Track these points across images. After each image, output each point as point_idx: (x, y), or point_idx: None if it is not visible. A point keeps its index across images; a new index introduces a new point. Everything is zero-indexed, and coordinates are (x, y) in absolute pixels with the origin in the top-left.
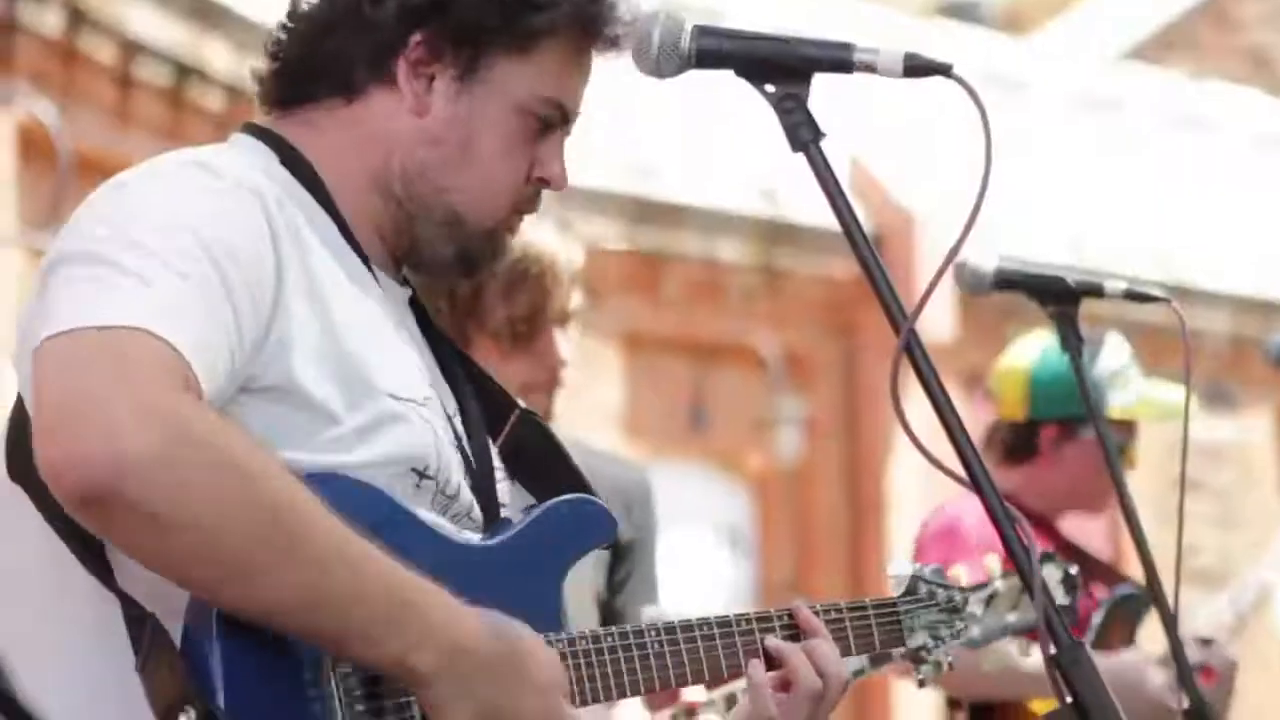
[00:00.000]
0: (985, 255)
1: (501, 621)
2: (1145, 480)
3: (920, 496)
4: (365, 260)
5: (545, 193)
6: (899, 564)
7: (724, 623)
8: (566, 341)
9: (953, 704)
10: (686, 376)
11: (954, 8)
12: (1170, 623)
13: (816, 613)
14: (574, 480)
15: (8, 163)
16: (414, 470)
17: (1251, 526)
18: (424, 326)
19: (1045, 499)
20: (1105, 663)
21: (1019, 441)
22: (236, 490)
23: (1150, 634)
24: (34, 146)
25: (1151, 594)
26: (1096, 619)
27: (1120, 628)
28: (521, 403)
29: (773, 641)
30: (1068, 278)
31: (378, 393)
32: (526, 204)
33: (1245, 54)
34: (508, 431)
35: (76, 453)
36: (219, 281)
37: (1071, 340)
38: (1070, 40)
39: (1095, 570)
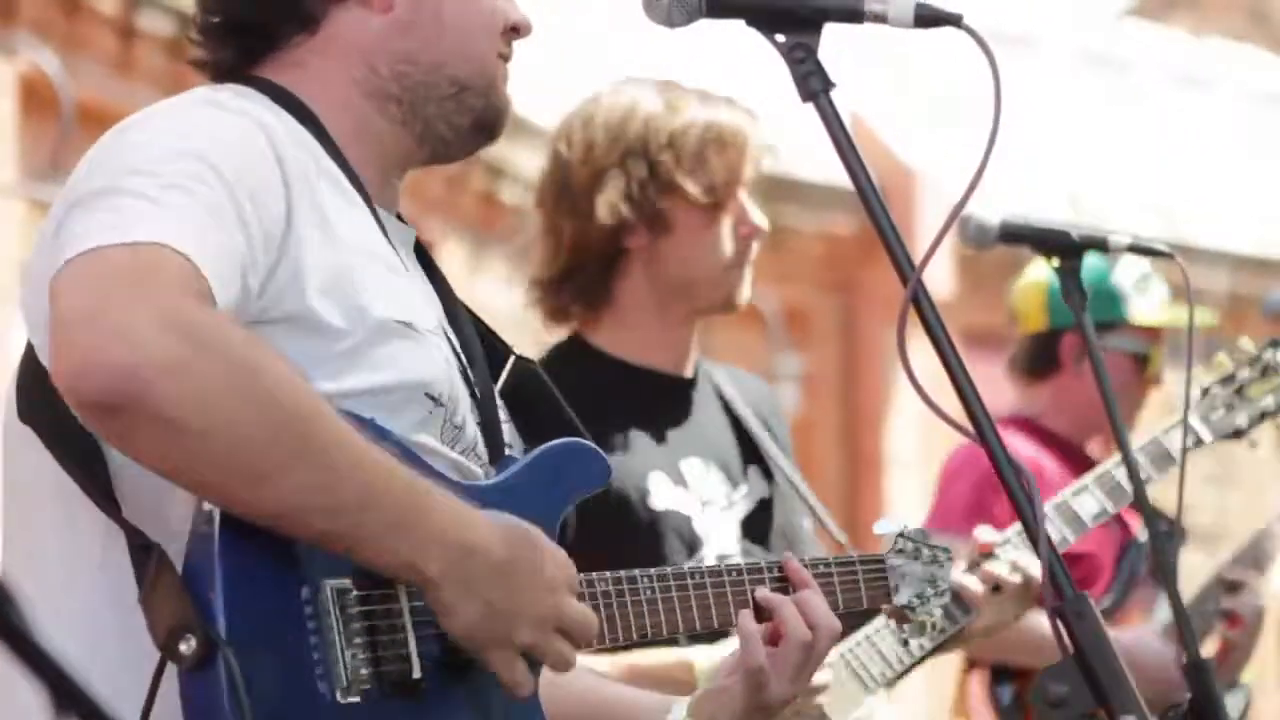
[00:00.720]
0: (989, 209)
1: (513, 523)
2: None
3: (920, 453)
4: (368, 199)
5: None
6: (885, 522)
7: (715, 572)
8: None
9: (971, 664)
10: None
11: None
12: (1171, 579)
13: (805, 566)
14: (567, 426)
15: (9, 113)
16: (428, 395)
17: (1248, 485)
18: (428, 267)
19: (1070, 416)
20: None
21: (1042, 354)
22: (252, 395)
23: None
24: (36, 96)
25: (1154, 539)
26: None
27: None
28: (515, 351)
29: (763, 592)
30: (1072, 232)
31: (389, 320)
32: (506, 53)
33: (1245, 9)
34: (505, 377)
35: (96, 360)
36: (230, 202)
37: (1075, 294)
38: None
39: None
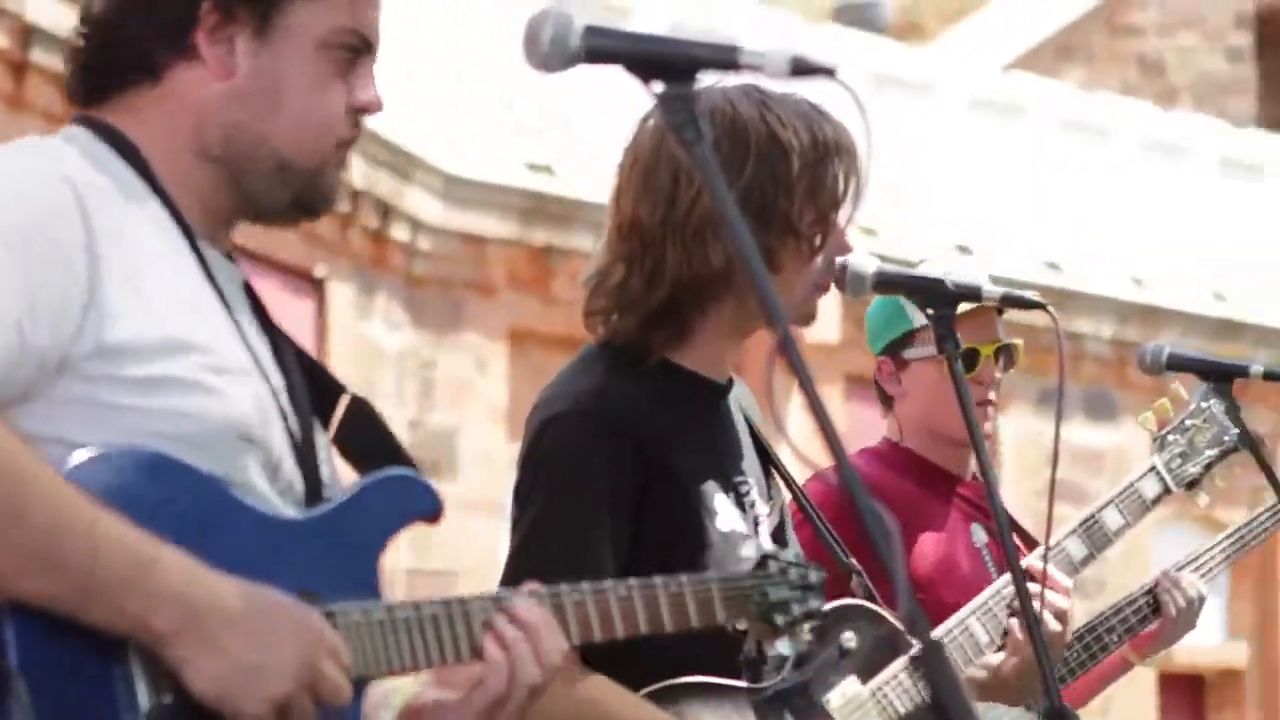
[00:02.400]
0: (866, 258)
1: (252, 585)
2: (1019, 484)
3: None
4: (192, 239)
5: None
6: (753, 543)
7: (463, 602)
8: None
9: None
10: None
11: (849, 12)
12: (1033, 624)
13: (668, 587)
14: (398, 458)
15: None
16: (239, 436)
17: (1127, 538)
18: (256, 308)
19: (917, 435)
20: None
21: (876, 384)
22: None
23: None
24: None
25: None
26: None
27: None
28: (348, 389)
29: (501, 624)
30: (947, 281)
31: (196, 362)
32: (349, 135)
33: (1137, 61)
34: (341, 418)
35: None
36: (14, 263)
37: (949, 343)
38: (966, 47)
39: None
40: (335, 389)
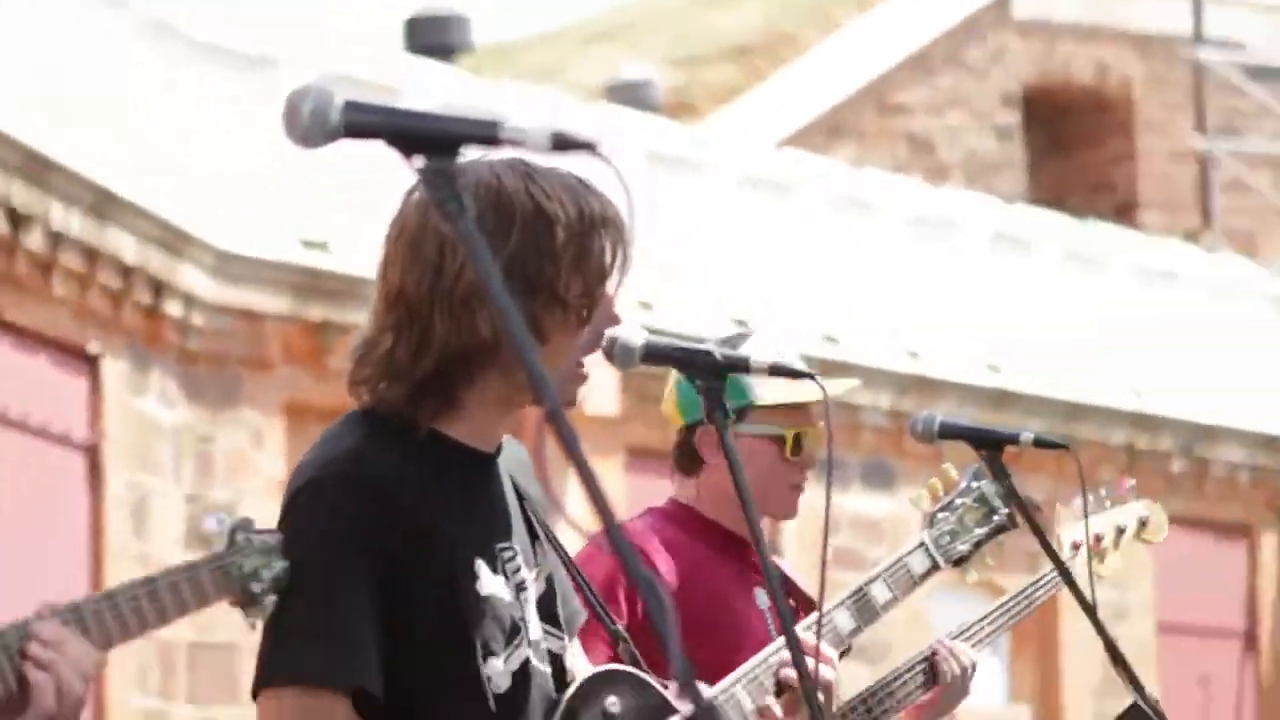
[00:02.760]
0: (635, 330)
1: None
2: (801, 555)
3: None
4: None
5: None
6: (212, 519)
7: None
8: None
9: None
10: None
11: (621, 91)
12: (811, 695)
13: (165, 578)
14: None
15: None
16: None
17: (907, 601)
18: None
19: (720, 505)
20: None
21: (685, 449)
22: None
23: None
24: None
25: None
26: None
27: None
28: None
29: (35, 650)
30: (715, 352)
31: None
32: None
33: (907, 139)
34: None
35: None
36: None
37: (719, 415)
38: (738, 125)
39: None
40: None
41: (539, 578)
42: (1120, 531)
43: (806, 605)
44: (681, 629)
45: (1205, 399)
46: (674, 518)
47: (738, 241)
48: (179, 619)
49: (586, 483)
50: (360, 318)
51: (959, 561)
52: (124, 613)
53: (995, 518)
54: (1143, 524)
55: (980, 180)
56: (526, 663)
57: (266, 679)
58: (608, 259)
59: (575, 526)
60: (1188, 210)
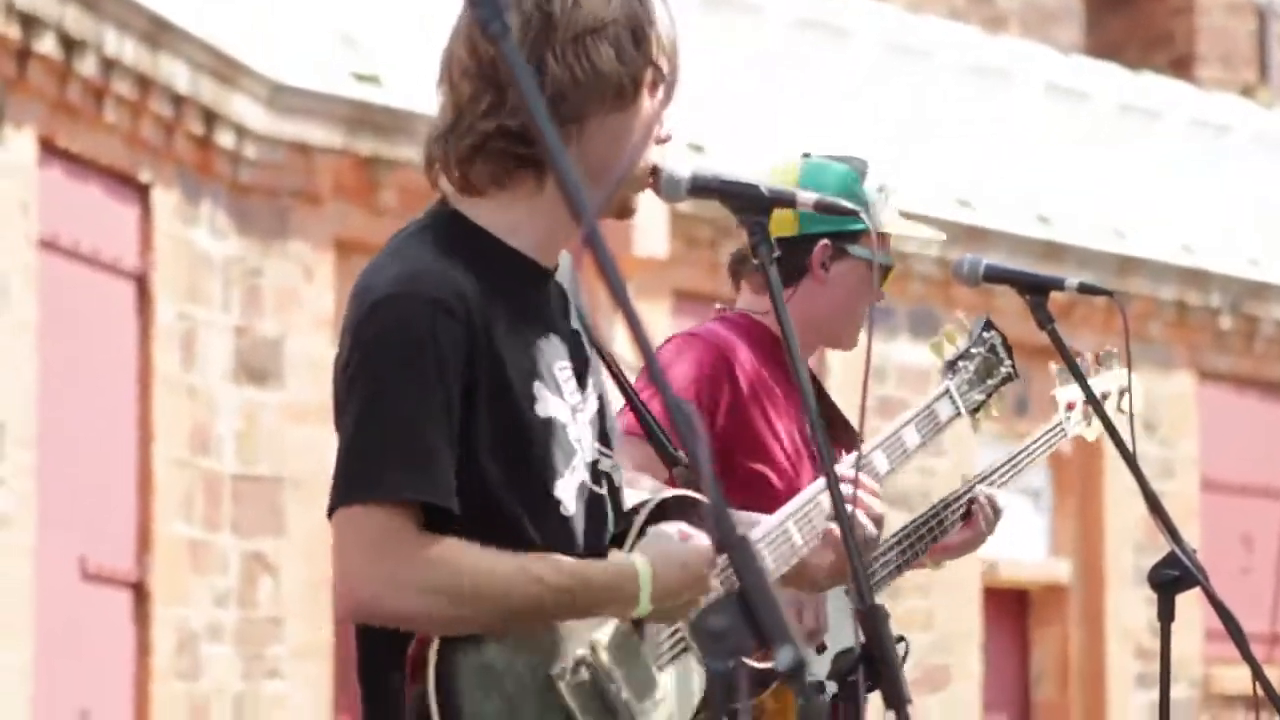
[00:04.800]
0: (681, 162)
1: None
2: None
3: None
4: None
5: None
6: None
7: None
8: None
9: None
10: None
11: None
12: (846, 527)
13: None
14: None
15: None
16: None
17: (955, 449)
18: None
19: (802, 324)
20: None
21: (789, 259)
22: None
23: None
24: None
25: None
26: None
27: None
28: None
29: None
30: (761, 187)
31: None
32: None
33: None
34: None
35: None
36: None
37: (763, 249)
38: None
39: (834, 424)
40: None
41: (592, 396)
42: (1104, 397)
43: (846, 430)
44: (746, 447)
45: (1257, 256)
46: (742, 328)
47: (789, 84)
48: None
49: (622, 307)
50: (411, 153)
51: (974, 410)
52: None
53: (1002, 369)
54: (1121, 394)
55: (1037, 30)
56: (584, 484)
57: (343, 497)
58: (653, 51)
59: (611, 359)
60: (1245, 64)
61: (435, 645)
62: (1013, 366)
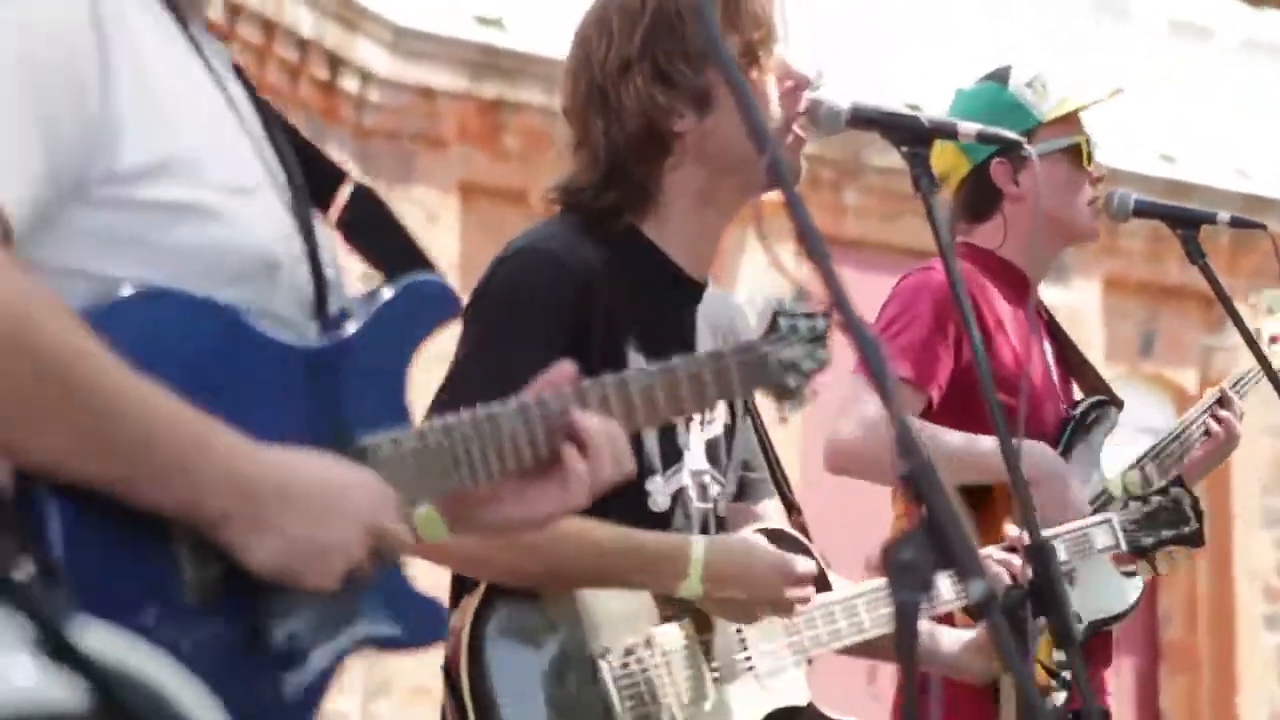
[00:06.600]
0: (840, 95)
1: (302, 454)
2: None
3: None
4: (184, 22)
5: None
6: (758, 298)
7: (491, 418)
8: None
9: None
10: (522, 228)
11: None
12: (1016, 473)
13: (687, 368)
14: (411, 253)
15: None
16: (265, 264)
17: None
18: (246, 87)
19: (1023, 242)
20: (1036, 449)
21: (978, 195)
22: (15, 347)
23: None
24: None
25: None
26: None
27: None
28: (349, 176)
29: (580, 418)
30: (921, 118)
31: (217, 181)
32: None
33: None
34: (344, 206)
35: None
36: (30, 93)
37: (924, 180)
38: None
39: (1073, 364)
40: (335, 175)
41: (720, 420)
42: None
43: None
44: (993, 381)
45: None
46: (979, 261)
47: (902, 24)
48: (693, 410)
49: (812, 246)
50: (535, 96)
51: (1137, 551)
52: (633, 399)
53: (1185, 528)
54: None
55: None
56: (685, 490)
57: None
58: (760, 12)
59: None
60: None
61: (479, 594)
62: (1199, 531)
